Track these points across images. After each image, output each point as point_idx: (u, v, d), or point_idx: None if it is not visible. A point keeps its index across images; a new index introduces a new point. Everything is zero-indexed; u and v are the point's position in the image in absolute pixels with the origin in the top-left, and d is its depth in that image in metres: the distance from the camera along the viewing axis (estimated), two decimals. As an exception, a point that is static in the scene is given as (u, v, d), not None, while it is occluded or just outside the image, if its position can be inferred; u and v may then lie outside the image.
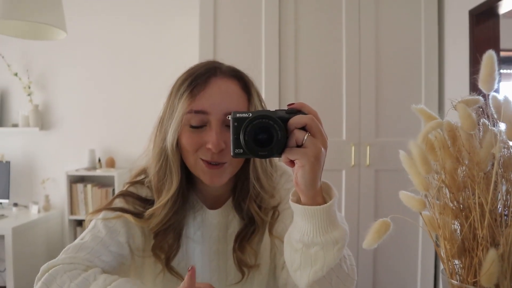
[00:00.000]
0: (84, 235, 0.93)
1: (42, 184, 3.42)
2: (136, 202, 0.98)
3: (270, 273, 1.01)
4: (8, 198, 3.31)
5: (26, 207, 3.41)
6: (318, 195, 0.71)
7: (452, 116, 0.60)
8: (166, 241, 0.96)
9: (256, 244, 0.99)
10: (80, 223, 3.30)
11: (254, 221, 0.98)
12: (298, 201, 0.73)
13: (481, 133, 0.56)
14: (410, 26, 2.62)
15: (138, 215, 0.95)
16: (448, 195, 0.54)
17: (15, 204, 3.36)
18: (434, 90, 2.61)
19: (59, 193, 3.44)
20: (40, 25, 2.14)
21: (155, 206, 0.93)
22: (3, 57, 3.37)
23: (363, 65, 2.62)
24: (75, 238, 3.24)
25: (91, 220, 0.97)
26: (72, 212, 3.24)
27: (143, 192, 1.00)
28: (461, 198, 0.54)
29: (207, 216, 1.01)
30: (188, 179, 0.97)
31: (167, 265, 0.96)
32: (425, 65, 2.61)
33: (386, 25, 2.62)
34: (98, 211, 0.97)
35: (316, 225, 0.70)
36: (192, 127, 0.88)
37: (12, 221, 3.03)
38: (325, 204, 0.70)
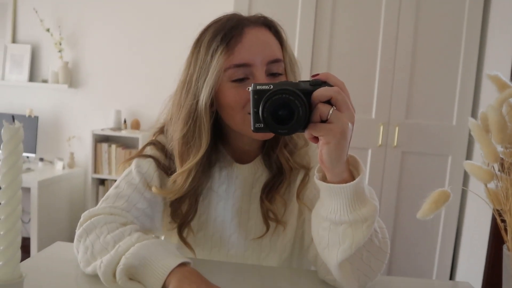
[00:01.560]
0: (119, 183, 0.94)
1: (68, 141, 3.47)
2: (164, 154, 0.97)
3: (296, 239, 0.99)
4: (35, 152, 3.37)
5: (51, 162, 3.47)
6: (345, 171, 0.68)
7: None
8: (181, 209, 0.96)
9: (286, 194, 0.97)
10: (102, 182, 3.35)
11: (283, 171, 0.96)
12: (324, 178, 0.71)
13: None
14: (453, 5, 2.51)
15: (166, 168, 0.95)
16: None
17: (41, 159, 3.42)
18: (472, 73, 2.52)
19: (84, 151, 3.49)
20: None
21: (179, 171, 0.90)
22: (36, 11, 3.37)
23: (400, 44, 2.53)
24: (97, 196, 3.31)
25: (124, 169, 0.97)
26: (95, 170, 3.29)
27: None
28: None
29: (234, 170, 0.99)
30: (219, 135, 0.96)
31: (180, 232, 0.96)
32: (465, 50, 2.51)
33: (428, 4, 2.52)
34: (130, 159, 0.98)
35: (343, 203, 0.68)
36: (234, 82, 0.85)
37: (38, 175, 3.10)
38: (352, 182, 0.67)
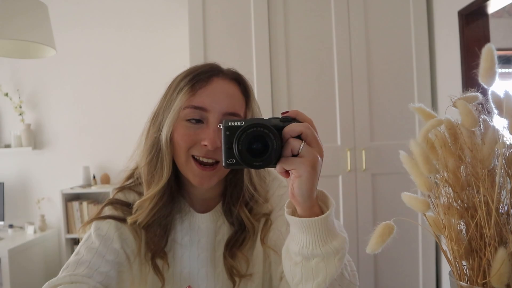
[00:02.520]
0: (79, 249, 0.92)
1: (37, 204, 3.38)
2: (124, 208, 0.96)
3: (265, 283, 0.99)
4: (3, 220, 3.27)
5: (22, 228, 3.37)
6: (315, 205, 0.69)
7: (448, 115, 0.59)
8: (155, 235, 0.95)
9: (247, 251, 0.98)
10: (77, 241, 3.25)
11: (245, 227, 0.97)
12: (294, 213, 0.71)
13: (481, 130, 0.55)
14: (400, 28, 2.62)
15: (125, 221, 0.94)
16: (452, 195, 0.53)
17: (11, 226, 3.31)
18: (427, 91, 2.61)
19: (55, 212, 3.40)
20: (29, 44, 2.13)
21: (143, 198, 0.92)
22: (-7, 77, 3.35)
23: (354, 69, 2.62)
24: (72, 257, 3.20)
25: (85, 232, 0.96)
26: (68, 230, 3.20)
27: (131, 197, 0.99)
28: (465, 197, 0.52)
29: (195, 220, 0.99)
30: (177, 183, 0.96)
31: (153, 260, 0.95)
32: (417, 67, 2.61)
33: (376, 28, 2.63)
34: (88, 222, 0.96)
35: (314, 237, 0.68)
36: (188, 121, 0.87)
37: (8, 243, 2.99)
38: (323, 215, 0.67)
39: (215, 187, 0.96)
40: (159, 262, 0.96)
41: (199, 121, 0.87)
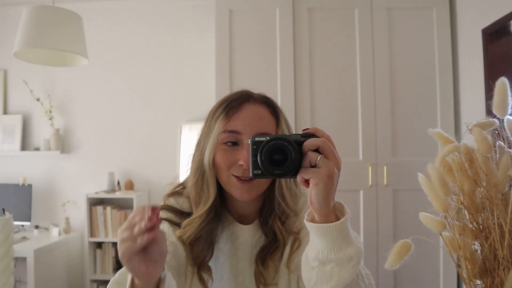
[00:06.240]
0: None
1: (62, 206, 3.47)
2: (175, 214, 1.05)
3: None
4: (29, 220, 3.37)
5: (47, 229, 3.46)
6: (332, 213, 0.75)
7: (469, 138, 0.62)
8: (200, 249, 1.02)
9: (277, 260, 1.04)
10: (99, 245, 3.33)
11: (277, 239, 1.03)
12: (313, 220, 0.77)
13: (497, 155, 0.58)
14: (423, 46, 2.64)
15: (177, 225, 1.03)
16: (467, 216, 0.56)
17: (36, 227, 3.41)
18: (450, 108, 2.61)
19: (79, 216, 3.49)
20: (64, 53, 2.23)
21: (193, 216, 1.01)
22: (26, 83, 3.48)
23: (377, 86, 2.64)
24: (94, 260, 3.29)
25: None
26: (92, 234, 3.28)
27: (181, 200, 1.08)
28: (480, 219, 0.55)
29: (236, 230, 1.07)
30: (220, 196, 1.04)
31: (199, 270, 1.01)
32: (440, 85, 2.62)
33: (400, 46, 2.65)
34: None
35: (330, 243, 0.74)
36: (225, 145, 0.96)
37: (33, 244, 3.08)
38: (338, 221, 0.73)
39: (254, 203, 1.05)
40: (204, 275, 1.02)
41: (235, 143, 0.97)
